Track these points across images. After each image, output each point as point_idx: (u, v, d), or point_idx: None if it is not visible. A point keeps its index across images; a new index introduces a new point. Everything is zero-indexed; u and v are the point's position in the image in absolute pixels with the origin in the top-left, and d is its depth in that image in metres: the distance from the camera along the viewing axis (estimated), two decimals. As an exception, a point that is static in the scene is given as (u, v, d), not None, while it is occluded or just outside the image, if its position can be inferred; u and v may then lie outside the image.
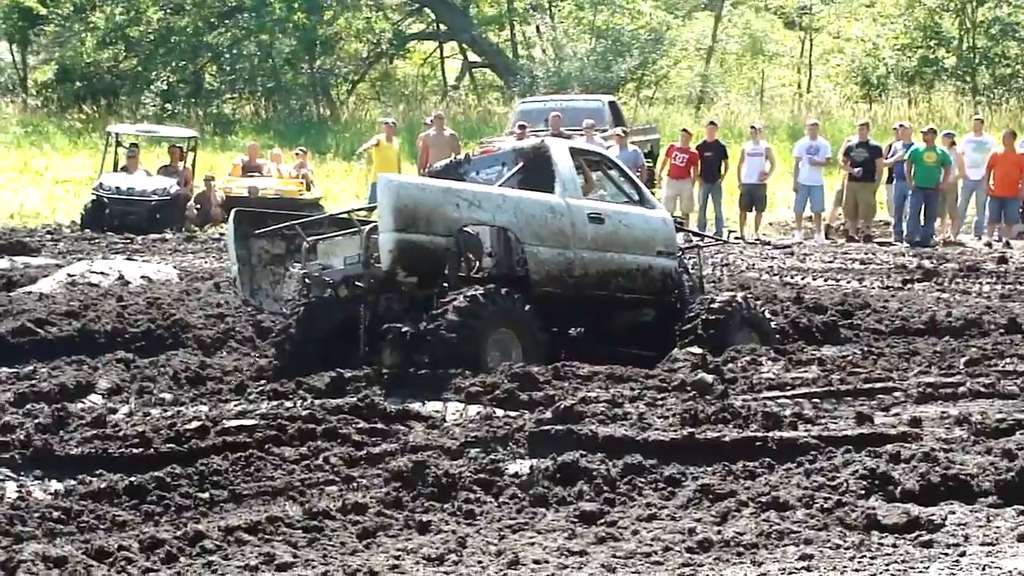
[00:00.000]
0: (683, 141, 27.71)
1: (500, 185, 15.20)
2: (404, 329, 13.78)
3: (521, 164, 15.27)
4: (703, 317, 15.22)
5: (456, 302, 13.40)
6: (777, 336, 15.74)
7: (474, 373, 13.63)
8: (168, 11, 46.64)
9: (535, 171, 15.12)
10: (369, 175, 29.09)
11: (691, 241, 18.12)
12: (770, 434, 10.84)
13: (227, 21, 47.02)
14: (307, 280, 14.59)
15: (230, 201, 26.59)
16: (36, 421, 11.80)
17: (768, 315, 15.91)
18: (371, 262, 13.95)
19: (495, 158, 16.04)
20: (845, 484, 9.59)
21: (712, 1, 48.62)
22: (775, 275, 22.41)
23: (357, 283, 14.35)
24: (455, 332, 13.30)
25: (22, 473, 10.61)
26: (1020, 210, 27.04)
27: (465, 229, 14.12)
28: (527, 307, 14.02)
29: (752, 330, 15.47)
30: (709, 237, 21.55)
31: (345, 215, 16.53)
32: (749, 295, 16.55)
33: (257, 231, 15.39)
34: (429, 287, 14.15)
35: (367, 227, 14.12)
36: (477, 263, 14.56)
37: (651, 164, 29.94)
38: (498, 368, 13.36)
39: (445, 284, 13.96)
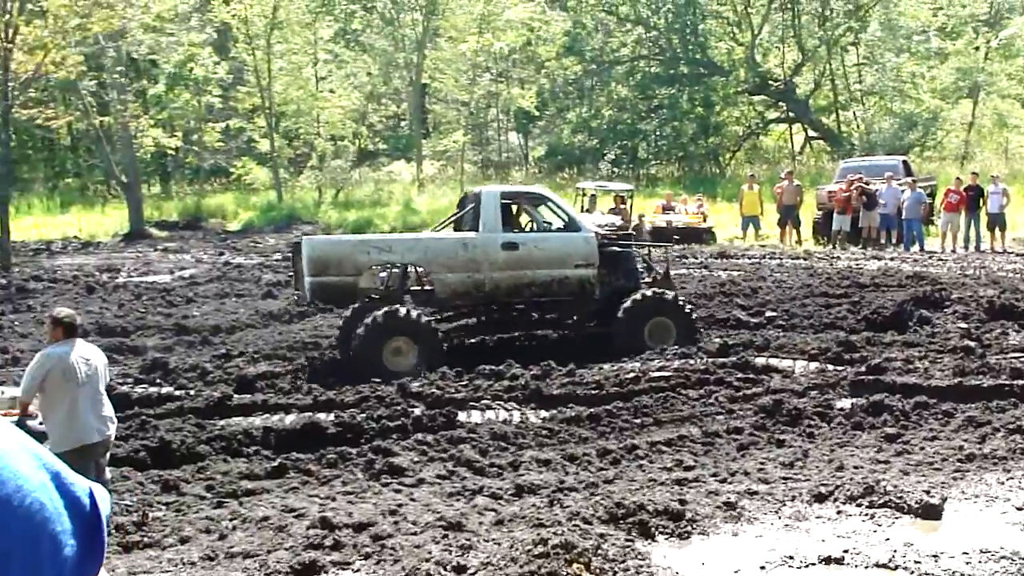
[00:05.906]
0: (956, 186, 34.58)
1: (447, 221, 17.10)
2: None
3: (472, 205, 16.97)
4: (623, 306, 16.38)
5: (365, 322, 15.36)
6: (696, 327, 16.42)
7: (805, 340, 14.84)
8: (615, 110, 64.04)
9: (475, 211, 16.78)
10: (741, 211, 38.60)
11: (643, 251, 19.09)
12: (1015, 382, 12.02)
13: (652, 115, 63.75)
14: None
15: (655, 230, 34.56)
16: (531, 372, 13.86)
17: (689, 311, 16.52)
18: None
19: (471, 197, 17.48)
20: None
21: (972, 91, 58.48)
22: (1017, 274, 23.85)
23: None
24: (361, 344, 15.30)
25: (522, 405, 12.54)
26: None
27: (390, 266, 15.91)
28: (424, 320, 15.60)
29: (668, 318, 16.27)
30: (653, 245, 21.99)
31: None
32: (677, 295, 17.07)
33: None
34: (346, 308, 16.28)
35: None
36: (426, 284, 16.35)
37: (931, 201, 36.65)
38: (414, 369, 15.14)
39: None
